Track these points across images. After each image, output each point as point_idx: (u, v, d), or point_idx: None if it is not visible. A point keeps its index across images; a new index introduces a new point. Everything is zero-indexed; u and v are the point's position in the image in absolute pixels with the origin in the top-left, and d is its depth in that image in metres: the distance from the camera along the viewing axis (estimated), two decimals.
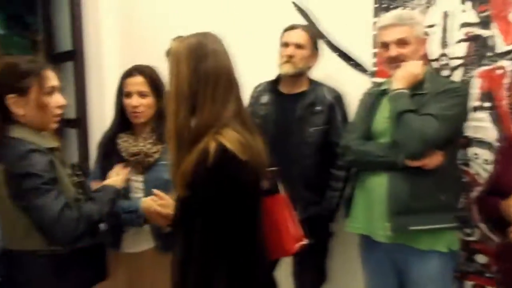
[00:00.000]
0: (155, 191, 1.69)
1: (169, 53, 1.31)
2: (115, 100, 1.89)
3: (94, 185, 1.70)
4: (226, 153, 1.16)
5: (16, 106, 1.46)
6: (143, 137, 1.84)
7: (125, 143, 1.84)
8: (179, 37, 1.32)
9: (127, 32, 3.03)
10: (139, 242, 1.83)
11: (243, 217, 1.22)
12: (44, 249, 1.47)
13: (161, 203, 1.66)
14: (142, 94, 1.80)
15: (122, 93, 1.84)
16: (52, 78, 1.52)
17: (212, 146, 1.17)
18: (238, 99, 1.29)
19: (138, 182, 1.82)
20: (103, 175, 1.80)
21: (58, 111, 1.54)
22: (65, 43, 3.17)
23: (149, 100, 1.81)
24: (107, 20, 3.05)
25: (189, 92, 1.23)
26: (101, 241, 1.67)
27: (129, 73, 1.84)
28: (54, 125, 1.56)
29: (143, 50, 2.74)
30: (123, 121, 1.87)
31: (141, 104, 1.80)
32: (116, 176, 1.72)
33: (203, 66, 1.23)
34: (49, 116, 1.52)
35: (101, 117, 2.95)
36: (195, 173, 1.19)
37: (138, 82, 1.81)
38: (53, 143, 1.53)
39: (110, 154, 1.86)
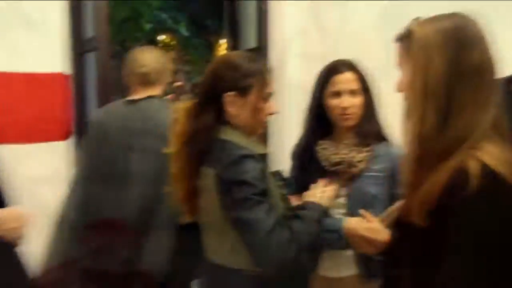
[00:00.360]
0: (362, 211, 1.41)
1: (405, 37, 1.03)
2: (311, 102, 1.68)
3: (295, 200, 1.48)
4: (495, 177, 0.90)
5: (232, 105, 1.31)
6: (345, 143, 1.61)
7: (325, 150, 1.63)
8: (420, 19, 1.03)
9: (312, 31, 2.87)
10: (339, 266, 1.60)
11: (504, 257, 0.93)
12: (250, 269, 1.29)
13: (368, 226, 1.36)
14: (353, 93, 1.57)
15: (321, 93, 1.62)
16: (271, 83, 1.37)
17: (474, 166, 0.91)
18: (497, 102, 1.00)
19: (339, 196, 1.58)
20: (299, 188, 1.58)
21: (267, 118, 1.39)
22: (248, 42, 3.14)
23: (360, 100, 1.58)
24: (292, 17, 2.94)
25: (445, 90, 0.96)
26: (306, 266, 1.48)
27: (336, 69, 1.60)
28: (261, 131, 1.42)
29: (327, 49, 2.55)
30: (321, 125, 1.66)
31: (353, 104, 1.57)
32: (322, 193, 1.45)
33: (464, 58, 0.96)
34: (260, 121, 1.37)
35: (280, 117, 2.84)
36: (444, 199, 0.93)
37: (349, 79, 1.58)
38: (263, 149, 1.36)
39: (307, 164, 1.66)
